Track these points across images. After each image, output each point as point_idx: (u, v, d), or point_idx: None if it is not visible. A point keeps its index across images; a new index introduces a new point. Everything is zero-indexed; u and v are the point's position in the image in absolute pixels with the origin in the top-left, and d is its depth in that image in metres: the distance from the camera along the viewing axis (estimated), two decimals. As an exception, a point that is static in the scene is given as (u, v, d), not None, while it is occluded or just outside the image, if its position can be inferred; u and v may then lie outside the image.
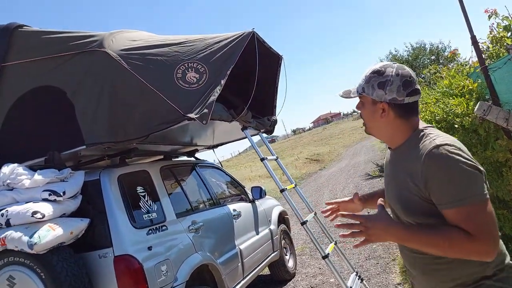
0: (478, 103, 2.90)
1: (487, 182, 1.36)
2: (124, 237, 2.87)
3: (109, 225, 2.88)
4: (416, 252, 1.45)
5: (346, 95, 1.61)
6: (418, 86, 1.50)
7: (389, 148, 1.63)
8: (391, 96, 1.46)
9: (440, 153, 1.32)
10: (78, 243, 2.84)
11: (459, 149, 1.34)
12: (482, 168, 1.33)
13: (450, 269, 1.41)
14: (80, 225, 2.82)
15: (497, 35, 3.78)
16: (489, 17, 3.77)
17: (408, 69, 1.50)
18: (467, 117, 3.11)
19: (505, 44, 3.74)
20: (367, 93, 1.52)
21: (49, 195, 2.76)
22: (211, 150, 5.53)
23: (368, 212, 2.05)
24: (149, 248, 2.95)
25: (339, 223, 1.42)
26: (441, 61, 16.24)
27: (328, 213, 1.96)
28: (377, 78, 1.49)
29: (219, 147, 5.60)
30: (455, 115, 3.24)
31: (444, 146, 1.33)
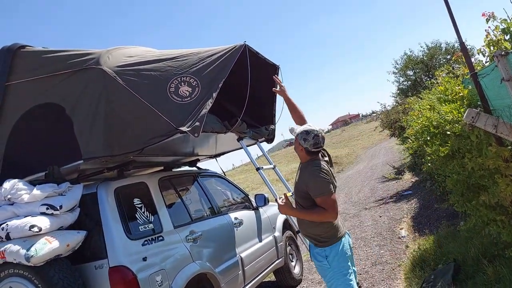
0: (467, 110, 2.88)
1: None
2: (119, 248, 2.96)
3: (105, 237, 2.98)
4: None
5: (291, 132, 2.99)
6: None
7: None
8: (305, 146, 2.89)
9: (314, 172, 2.81)
10: (76, 255, 2.95)
11: (322, 170, 2.82)
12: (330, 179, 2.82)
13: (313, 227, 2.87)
14: (76, 237, 2.93)
15: (494, 38, 3.74)
16: (487, 20, 3.72)
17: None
18: (456, 124, 3.09)
19: (502, 47, 3.69)
20: (299, 138, 2.89)
21: (47, 209, 2.88)
22: (219, 158, 5.61)
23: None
24: (144, 259, 3.04)
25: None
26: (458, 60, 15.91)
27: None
28: (302, 135, 2.87)
29: (225, 155, 5.68)
30: (447, 122, 3.23)
31: (317, 168, 2.82)
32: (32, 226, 2.75)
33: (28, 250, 2.65)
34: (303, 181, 2.82)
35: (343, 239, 2.89)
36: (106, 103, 3.25)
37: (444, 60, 17.00)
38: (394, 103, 17.26)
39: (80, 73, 3.36)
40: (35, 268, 2.74)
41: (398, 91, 18.37)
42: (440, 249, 4.72)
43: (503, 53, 2.55)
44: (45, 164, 3.26)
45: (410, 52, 18.07)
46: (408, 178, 12.13)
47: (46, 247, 2.70)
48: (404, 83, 18.27)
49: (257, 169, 3.74)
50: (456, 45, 17.32)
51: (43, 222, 2.81)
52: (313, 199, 2.75)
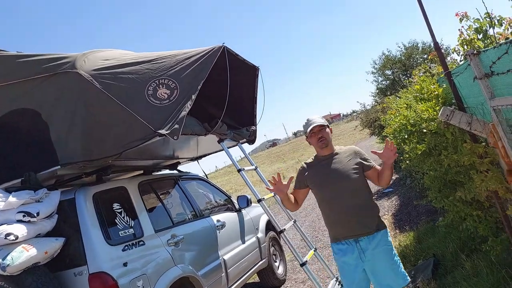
0: (442, 108, 2.94)
1: None
2: (98, 254, 2.92)
3: (84, 243, 2.94)
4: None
5: (321, 122, 2.87)
6: None
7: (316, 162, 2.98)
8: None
9: (357, 148, 2.94)
10: (54, 262, 2.89)
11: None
12: None
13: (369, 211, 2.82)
14: (55, 244, 2.87)
15: (468, 38, 3.83)
16: (460, 20, 3.81)
17: None
18: (432, 122, 3.15)
19: (476, 46, 3.79)
20: (326, 125, 2.90)
21: (23, 216, 2.82)
22: (201, 160, 5.58)
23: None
24: (125, 264, 3.00)
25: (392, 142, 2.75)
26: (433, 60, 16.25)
27: (271, 186, 2.93)
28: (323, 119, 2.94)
29: (208, 157, 5.66)
30: (423, 120, 3.29)
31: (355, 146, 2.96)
32: (8, 234, 2.68)
33: (4, 259, 2.59)
34: (355, 161, 2.83)
35: None
36: (83, 108, 3.19)
37: (421, 60, 17.31)
38: (373, 102, 17.51)
39: (56, 77, 3.30)
40: (11, 278, 2.67)
41: (377, 91, 18.62)
42: (419, 245, 4.81)
43: (475, 52, 2.61)
44: (21, 170, 3.18)
45: (388, 52, 18.33)
46: (388, 176, 12.30)
47: (23, 256, 2.64)
48: (383, 82, 18.52)
49: (239, 170, 3.73)
50: (432, 44, 17.66)
51: (20, 230, 2.74)
52: (368, 169, 2.83)
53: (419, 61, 17.31)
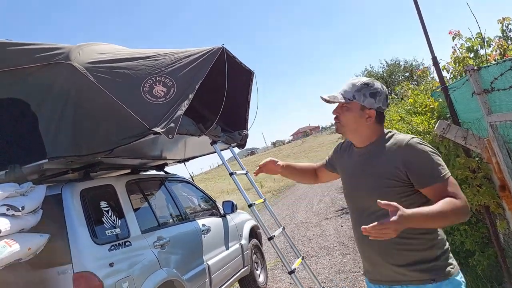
0: (438, 121, 2.98)
1: None
2: (84, 253, 2.81)
3: (69, 241, 2.82)
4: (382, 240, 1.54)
5: (332, 99, 1.80)
6: None
7: (352, 148, 1.92)
8: (379, 105, 1.76)
9: (417, 143, 1.70)
10: (36, 259, 2.76)
11: (424, 141, 1.74)
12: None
13: (409, 250, 1.70)
14: (39, 241, 2.74)
15: (460, 56, 3.93)
16: (453, 38, 3.91)
17: None
18: (428, 135, 3.20)
19: (467, 64, 3.88)
20: (357, 99, 1.76)
21: (7, 209, 2.67)
22: (186, 164, 5.49)
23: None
24: (111, 265, 2.90)
25: (367, 227, 1.47)
26: (414, 78, 16.68)
27: (257, 171, 2.38)
28: (368, 89, 1.76)
29: (195, 160, 5.58)
30: (417, 133, 3.33)
31: (414, 139, 1.72)
32: (-10, 228, 2.54)
33: (-16, 254, 2.44)
34: (392, 165, 1.69)
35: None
36: (76, 101, 3.08)
37: (402, 77, 17.73)
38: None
39: (48, 68, 3.18)
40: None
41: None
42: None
43: (475, 68, 2.66)
44: (5, 162, 3.04)
45: (371, 68, 18.77)
46: (367, 190, 12.45)
47: (5, 251, 2.50)
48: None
49: (231, 174, 3.68)
50: (414, 63, 18.14)
51: (3, 224, 2.59)
52: (409, 193, 1.68)
53: (400, 78, 17.72)
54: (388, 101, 1.78)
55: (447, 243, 1.79)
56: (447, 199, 1.56)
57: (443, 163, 1.67)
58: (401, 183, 1.67)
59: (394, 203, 1.46)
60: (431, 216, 1.52)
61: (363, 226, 1.47)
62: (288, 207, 13.09)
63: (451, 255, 1.77)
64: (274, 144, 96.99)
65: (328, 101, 1.81)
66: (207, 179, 30.99)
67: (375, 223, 1.46)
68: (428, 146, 1.69)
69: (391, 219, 1.44)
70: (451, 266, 1.72)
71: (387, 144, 1.74)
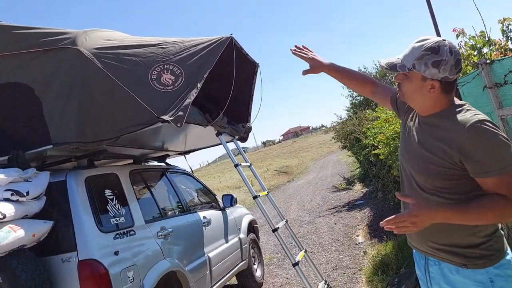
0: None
1: None
2: (89, 241, 2.75)
3: (74, 228, 2.76)
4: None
5: (391, 67, 1.60)
6: None
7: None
8: (444, 75, 1.51)
9: (484, 127, 1.44)
10: (40, 247, 2.70)
11: (497, 126, 1.47)
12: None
13: (446, 231, 1.59)
14: (43, 227, 2.69)
15: (465, 53, 3.96)
16: (457, 36, 3.95)
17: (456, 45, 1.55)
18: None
19: (472, 61, 3.92)
20: (418, 69, 1.54)
21: (12, 195, 2.62)
22: (184, 158, 5.45)
23: None
24: (116, 253, 2.85)
25: (386, 222, 1.47)
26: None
27: (296, 50, 2.18)
28: (432, 57, 1.51)
29: (190, 154, 5.54)
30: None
31: (486, 122, 1.46)
32: (-5, 212, 2.48)
33: (-11, 238, 2.39)
34: (446, 145, 1.52)
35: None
36: (81, 87, 3.04)
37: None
38: (347, 116, 17.87)
39: (53, 52, 3.12)
40: (-5, 259, 2.47)
41: (351, 106, 19.04)
42: (401, 253, 4.87)
43: (488, 61, 2.68)
44: (8, 147, 2.98)
45: (364, 68, 18.86)
46: (358, 189, 12.52)
47: (10, 236, 2.45)
48: (357, 97, 18.97)
49: (235, 165, 3.66)
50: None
51: (7, 209, 2.54)
52: (458, 176, 1.53)
53: (393, 79, 17.84)
54: (461, 65, 1.53)
55: (499, 230, 1.60)
56: (492, 197, 1.44)
57: (506, 154, 1.43)
58: (453, 165, 1.51)
59: (411, 198, 1.48)
60: (464, 215, 1.45)
61: (381, 223, 1.50)
62: (279, 205, 13.08)
63: (499, 244, 1.58)
64: (264, 143, 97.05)
65: (386, 69, 1.62)
66: (198, 177, 30.85)
67: (392, 216, 1.47)
68: (495, 133, 1.43)
69: (403, 213, 1.44)
70: (492, 256, 1.55)
71: (451, 119, 1.52)
